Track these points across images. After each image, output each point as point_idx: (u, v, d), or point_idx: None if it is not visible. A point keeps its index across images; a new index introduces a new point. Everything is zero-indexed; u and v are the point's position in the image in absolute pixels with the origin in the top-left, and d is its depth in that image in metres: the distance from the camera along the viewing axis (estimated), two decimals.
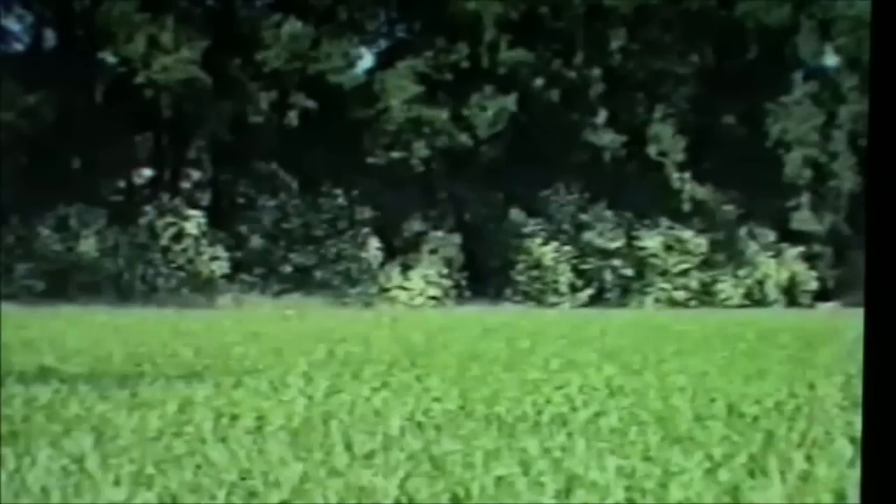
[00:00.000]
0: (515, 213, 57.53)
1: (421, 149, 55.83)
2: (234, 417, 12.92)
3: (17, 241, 50.68)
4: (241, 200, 56.00)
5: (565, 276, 57.54)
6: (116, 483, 9.39)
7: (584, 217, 58.95)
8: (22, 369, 19.10)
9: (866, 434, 3.16)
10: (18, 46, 57.32)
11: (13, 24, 57.13)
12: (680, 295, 59.84)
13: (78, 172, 55.17)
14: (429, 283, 54.67)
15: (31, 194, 51.51)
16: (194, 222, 53.03)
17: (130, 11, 51.40)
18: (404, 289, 54.45)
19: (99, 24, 52.49)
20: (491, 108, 56.23)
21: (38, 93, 52.81)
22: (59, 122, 53.13)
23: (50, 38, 57.72)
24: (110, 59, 55.51)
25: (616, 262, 59.20)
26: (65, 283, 50.16)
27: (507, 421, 12.80)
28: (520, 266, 57.17)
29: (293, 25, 53.75)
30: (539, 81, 57.88)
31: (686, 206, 61.42)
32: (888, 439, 3.11)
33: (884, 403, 3.11)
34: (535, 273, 57.20)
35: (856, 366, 14.86)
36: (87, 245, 51.14)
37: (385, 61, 57.69)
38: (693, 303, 59.33)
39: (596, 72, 59.51)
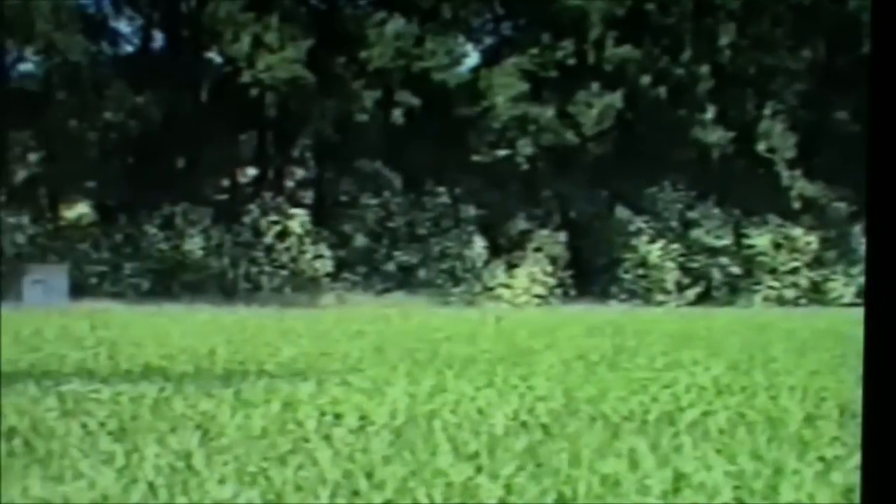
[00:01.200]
0: (621, 211, 57.08)
1: (526, 146, 55.55)
2: (338, 416, 12.91)
3: (125, 240, 51.18)
4: (344, 199, 56.08)
5: (672, 275, 56.99)
6: (222, 481, 9.44)
7: (691, 214, 58.34)
8: (129, 367, 19.28)
9: (866, 434, 3.15)
10: (128, 48, 58.03)
11: (124, 27, 57.86)
12: (789, 293, 59.04)
13: (183, 171, 55.60)
14: (534, 281, 54.41)
15: (138, 193, 52.02)
16: (298, 221, 53.18)
17: (236, 11, 51.67)
18: (509, 287, 54.22)
19: (205, 24, 52.86)
20: (597, 106, 55.80)
21: (146, 93, 53.30)
22: (166, 122, 53.60)
23: (158, 39, 58.33)
24: (216, 58, 55.92)
25: (724, 260, 58.51)
26: (170, 281, 50.55)
27: (612, 420, 12.65)
28: (626, 264, 56.71)
29: (397, 23, 53.72)
30: (646, 78, 57.34)
31: (796, 204, 60.54)
32: (888, 439, 3.10)
33: (884, 403, 3.11)
34: (641, 271, 56.71)
35: None
36: (193, 244, 51.46)
37: (490, 58, 57.49)
38: (803, 301, 58.53)
39: (704, 68, 58.85)
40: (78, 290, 48.41)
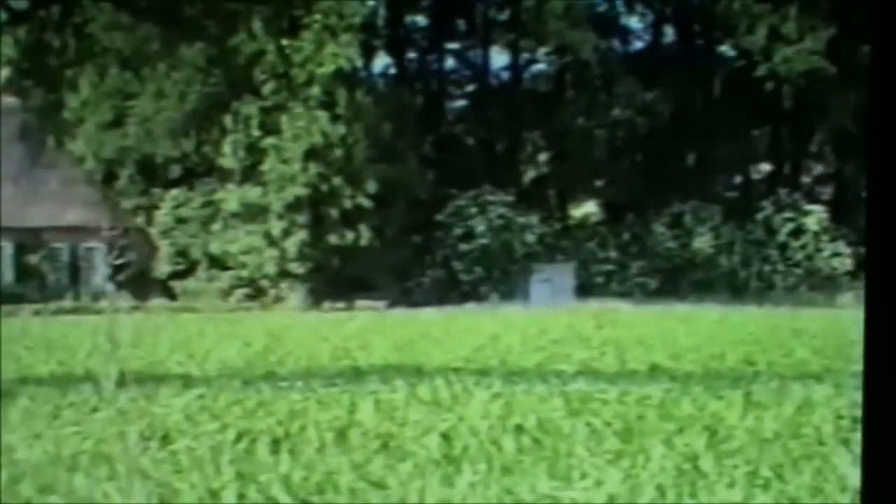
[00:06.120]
0: None
1: None
2: (856, 420, 12.16)
3: (632, 239, 51.47)
4: (865, 194, 54.46)
5: None
6: (731, 484, 9.05)
7: None
8: (635, 367, 19.16)
9: (866, 434, 3.18)
10: (638, 44, 58.43)
11: (634, 23, 58.42)
12: None
13: (693, 168, 55.40)
14: None
15: (647, 191, 52.18)
16: (815, 217, 52.01)
17: (751, 3, 51.06)
18: None
19: (718, 17, 52.52)
20: None
21: (656, 89, 53.44)
22: (676, 118, 53.55)
23: (669, 34, 58.44)
24: (729, 52, 55.54)
25: None
26: (678, 280, 50.44)
27: None
28: None
29: None
30: None
31: None
32: (888, 440, 3.15)
33: (884, 403, 3.16)
34: None
35: None
36: (702, 242, 51.25)
37: None
38: None
39: None
40: (584, 289, 48.99)
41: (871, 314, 3.19)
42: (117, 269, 49.56)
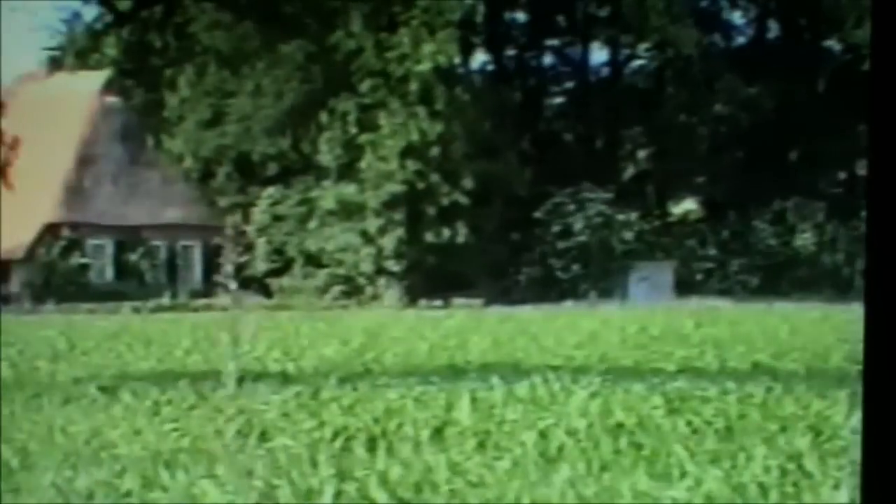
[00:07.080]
0: None
1: None
2: None
3: (732, 236, 51.01)
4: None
5: None
6: (836, 485, 8.82)
7: None
8: (736, 366, 18.89)
9: (866, 434, 3.19)
10: (741, 39, 57.97)
11: (737, 18, 58.00)
12: None
13: (796, 165, 54.75)
14: None
15: (748, 188, 51.66)
16: None
17: None
18: None
19: (825, 12, 51.87)
20: None
21: (759, 84, 52.88)
22: (779, 114, 52.95)
23: (773, 28, 57.93)
24: (835, 46, 54.88)
25: None
26: (780, 278, 49.87)
27: None
28: None
29: None
30: None
31: None
32: (888, 439, 3.16)
33: (884, 403, 3.18)
34: None
35: None
36: (804, 239, 50.64)
37: None
38: None
39: None
40: (683, 287, 48.63)
41: (871, 314, 3.20)
42: (239, 267, 49.86)
